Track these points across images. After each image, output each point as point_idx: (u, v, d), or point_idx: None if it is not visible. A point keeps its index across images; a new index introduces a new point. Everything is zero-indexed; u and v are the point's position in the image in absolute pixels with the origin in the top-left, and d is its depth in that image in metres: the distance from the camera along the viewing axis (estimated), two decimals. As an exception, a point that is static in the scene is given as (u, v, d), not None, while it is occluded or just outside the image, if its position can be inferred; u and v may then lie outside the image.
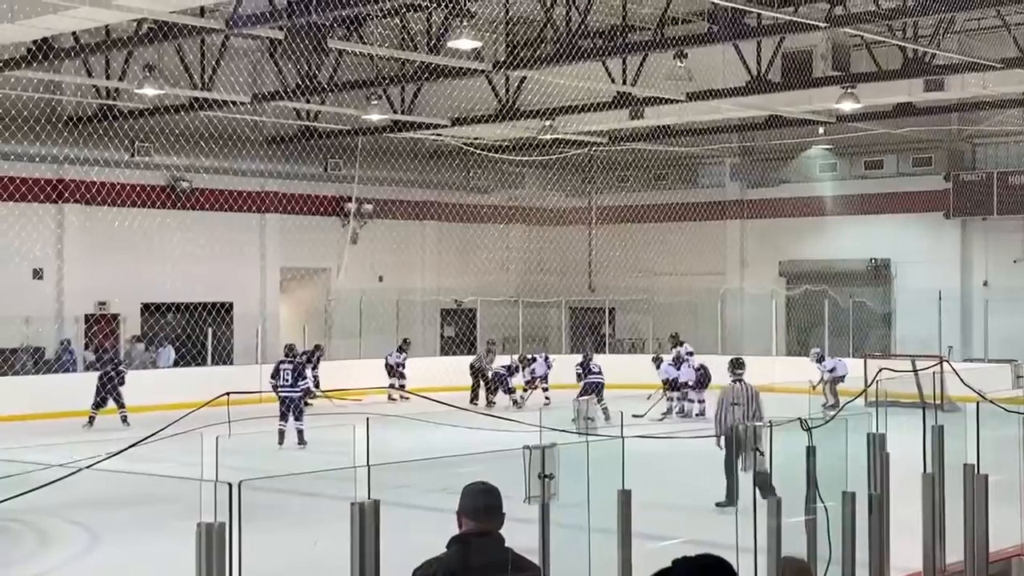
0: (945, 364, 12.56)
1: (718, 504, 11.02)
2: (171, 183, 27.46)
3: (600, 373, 22.71)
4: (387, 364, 26.83)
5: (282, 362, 19.63)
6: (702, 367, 23.31)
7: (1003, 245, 29.19)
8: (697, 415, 22.60)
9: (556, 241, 34.18)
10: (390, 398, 25.09)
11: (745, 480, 6.80)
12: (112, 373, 21.63)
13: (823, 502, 6.74)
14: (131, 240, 26.37)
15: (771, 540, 6.24)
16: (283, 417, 18.80)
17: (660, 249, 32.62)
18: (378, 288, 31.01)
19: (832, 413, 11.06)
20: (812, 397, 22.76)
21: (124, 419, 21.18)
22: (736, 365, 13.99)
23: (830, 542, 7.07)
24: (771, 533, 6.23)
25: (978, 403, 8.37)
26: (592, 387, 22.12)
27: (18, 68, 19.92)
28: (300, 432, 18.69)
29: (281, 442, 18.52)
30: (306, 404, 19.70)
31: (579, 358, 24.89)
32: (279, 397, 18.97)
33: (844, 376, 23.57)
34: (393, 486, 5.64)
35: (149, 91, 21.98)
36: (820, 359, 24.51)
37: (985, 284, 29.56)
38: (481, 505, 4.84)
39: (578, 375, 23.99)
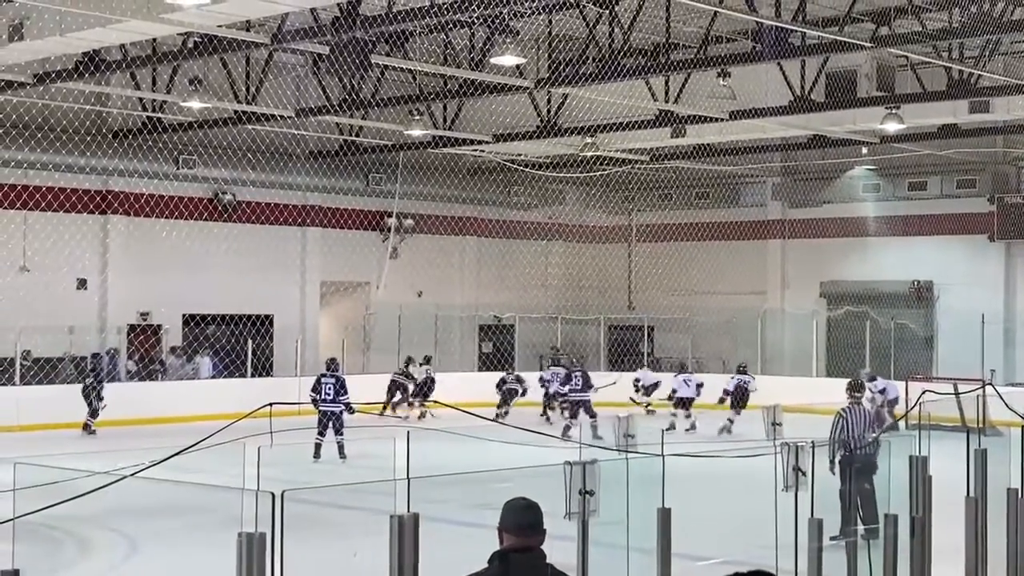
0: (988, 388, 12.41)
1: (833, 538, 8.78)
2: (215, 196, 27.67)
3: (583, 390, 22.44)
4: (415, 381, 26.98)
5: (323, 375, 19.60)
6: (737, 386, 23.38)
7: (1048, 269, 28.90)
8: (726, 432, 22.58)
9: (596, 258, 34.14)
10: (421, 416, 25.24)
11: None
12: (94, 383, 21.90)
13: (864, 524, 6.69)
14: (174, 252, 26.59)
15: (812, 562, 6.19)
16: (322, 432, 18.78)
17: (700, 268, 32.51)
18: (417, 303, 31.09)
19: (880, 435, 10.95)
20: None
21: (87, 426, 21.60)
22: (855, 388, 13.20)
23: (871, 565, 7.01)
24: (812, 555, 6.19)
25: (1022, 428, 8.27)
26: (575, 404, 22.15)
27: (67, 80, 20.16)
28: (340, 446, 18.67)
29: (317, 456, 18.54)
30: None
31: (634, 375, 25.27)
32: (319, 411, 18.98)
33: (897, 398, 23.29)
34: (432, 500, 5.65)
35: (195, 104, 22.21)
36: (871, 379, 24.14)
37: (1029, 308, 29.25)
38: (523, 521, 4.84)
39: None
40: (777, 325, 31.48)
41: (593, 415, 21.68)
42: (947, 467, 7.96)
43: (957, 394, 23.23)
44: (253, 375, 26.14)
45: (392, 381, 26.47)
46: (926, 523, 7.08)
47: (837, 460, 11.41)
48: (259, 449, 4.83)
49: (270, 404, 5.40)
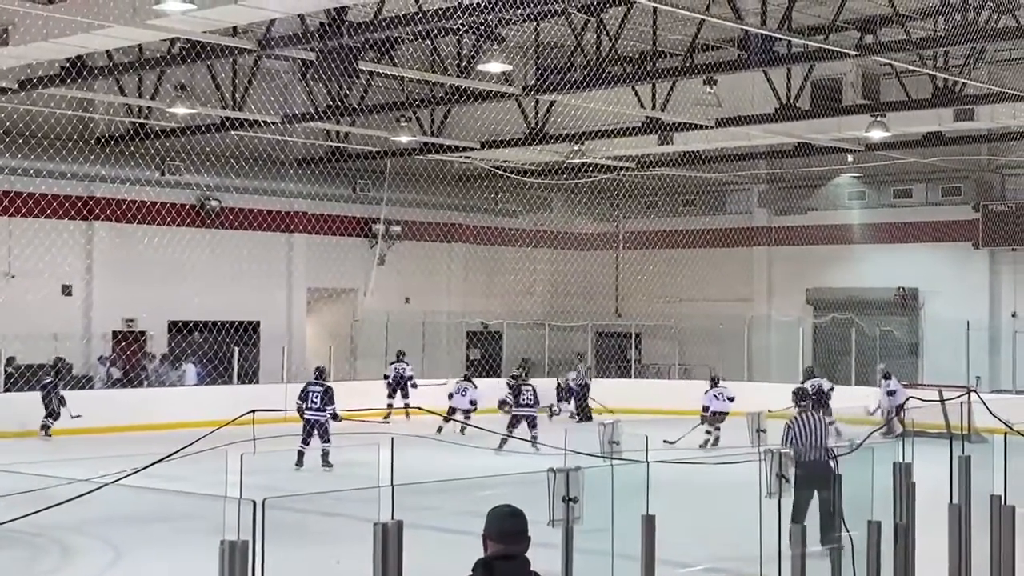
0: (973, 395, 12.43)
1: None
2: (200, 202, 27.60)
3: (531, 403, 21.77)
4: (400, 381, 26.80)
5: (311, 384, 19.44)
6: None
7: (1033, 276, 29.01)
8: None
9: (583, 265, 34.17)
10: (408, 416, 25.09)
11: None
12: (53, 383, 22.00)
13: (848, 531, 6.69)
14: (159, 258, 26.52)
15: (795, 569, 6.20)
16: (306, 439, 18.61)
17: (687, 275, 32.56)
18: (404, 310, 31.06)
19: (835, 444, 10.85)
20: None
21: (45, 428, 21.68)
22: (800, 396, 12.98)
23: (855, 571, 7.02)
24: (795, 562, 6.19)
25: (1006, 434, 8.29)
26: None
27: (52, 86, 20.11)
28: (325, 453, 18.53)
29: (299, 464, 18.34)
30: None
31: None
32: (304, 419, 18.89)
33: (904, 404, 23.35)
34: (417, 508, 5.64)
35: (180, 110, 22.16)
36: (886, 376, 24.13)
37: (1014, 315, 29.34)
38: (507, 528, 4.83)
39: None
40: (763, 332, 31.54)
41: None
42: (932, 473, 7.98)
43: (942, 401, 23.33)
44: (239, 382, 26.06)
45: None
46: (909, 530, 7.09)
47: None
48: (242, 456, 4.82)
49: (252, 411, 5.39)
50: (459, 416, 22.67)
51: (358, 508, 5.27)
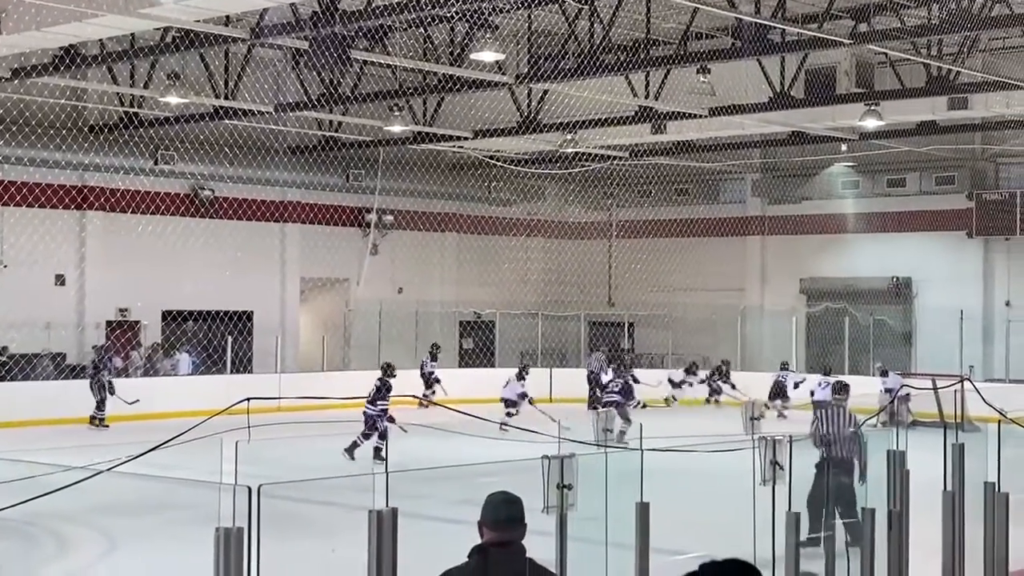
0: (966, 383, 12.46)
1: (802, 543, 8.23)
2: (193, 191, 27.56)
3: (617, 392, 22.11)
4: (422, 373, 26.91)
5: (378, 378, 18.80)
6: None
7: (1026, 265, 29.06)
8: None
9: (576, 255, 34.16)
10: (421, 405, 25.00)
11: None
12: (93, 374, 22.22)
13: (843, 518, 6.72)
14: (153, 247, 26.48)
15: (789, 557, 6.21)
16: (365, 433, 17.90)
17: (680, 264, 32.56)
18: (397, 299, 31.05)
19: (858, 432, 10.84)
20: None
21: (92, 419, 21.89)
22: (838, 390, 12.48)
23: (848, 558, 7.04)
24: (789, 548, 6.21)
25: (999, 422, 8.32)
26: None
27: (44, 75, 20.05)
28: (376, 449, 17.62)
29: (348, 454, 17.51)
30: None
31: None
32: (364, 412, 18.28)
33: (908, 395, 23.42)
34: (413, 496, 5.64)
35: (173, 99, 22.10)
36: (884, 373, 24.21)
37: (1007, 304, 29.40)
38: (502, 516, 4.83)
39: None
40: (757, 321, 31.57)
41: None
42: (925, 461, 8.00)
43: (936, 389, 23.38)
44: (232, 372, 26.05)
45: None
46: (903, 517, 7.12)
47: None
48: (236, 444, 4.81)
49: (247, 399, 5.38)
50: (510, 409, 22.58)
51: (354, 496, 5.27)
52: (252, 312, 28.60)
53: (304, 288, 30.52)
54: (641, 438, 6.58)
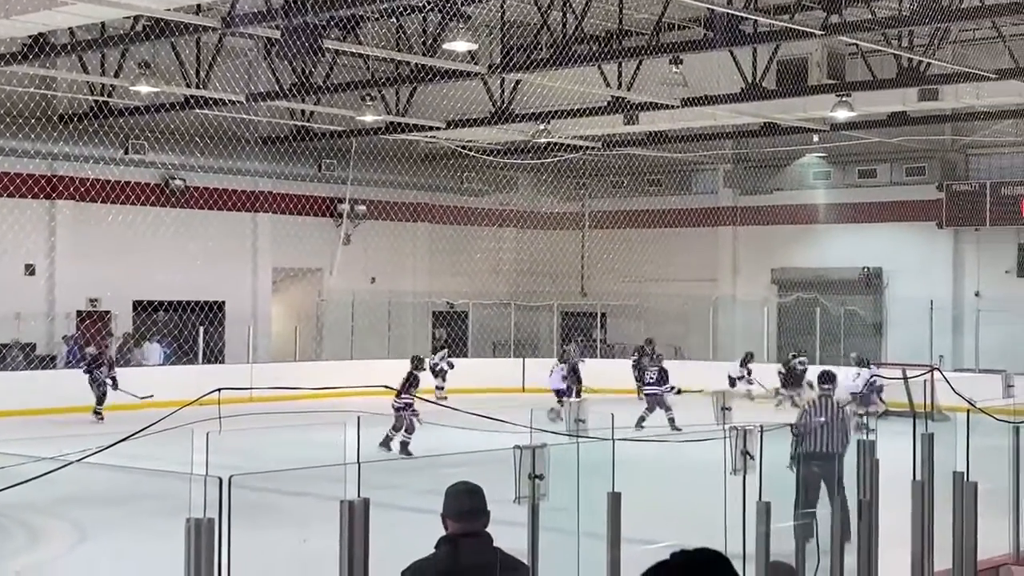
0: (936, 373, 12.55)
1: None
2: (164, 181, 27.42)
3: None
4: (431, 367, 26.92)
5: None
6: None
7: (995, 256, 29.25)
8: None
9: (549, 245, 34.19)
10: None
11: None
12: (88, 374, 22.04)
13: (813, 508, 6.76)
14: (123, 237, 26.34)
15: (760, 546, 6.25)
16: (395, 425, 17.62)
17: (653, 255, 32.63)
18: (370, 289, 31.01)
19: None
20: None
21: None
22: (824, 380, 12.08)
23: (819, 548, 7.08)
24: (760, 539, 6.24)
25: (968, 412, 8.39)
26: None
27: (12, 63, 19.87)
28: (402, 443, 17.46)
29: (385, 447, 17.16)
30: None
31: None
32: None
33: (881, 386, 23.55)
34: (386, 486, 5.64)
35: (144, 88, 21.96)
36: (861, 362, 24.33)
37: (977, 294, 29.62)
38: (464, 507, 4.84)
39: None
40: (729, 311, 31.69)
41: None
42: (895, 450, 8.05)
43: (906, 379, 23.52)
44: (204, 362, 25.95)
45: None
46: (873, 507, 7.16)
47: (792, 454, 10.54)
48: (207, 435, 4.80)
49: (218, 390, 5.36)
50: (561, 398, 22.57)
51: (326, 486, 5.26)
52: (224, 302, 28.50)
53: (276, 278, 30.42)
54: (612, 428, 6.61)
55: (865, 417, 14.22)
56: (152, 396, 20.84)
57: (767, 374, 25.82)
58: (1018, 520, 8.83)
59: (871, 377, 23.42)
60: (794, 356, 25.99)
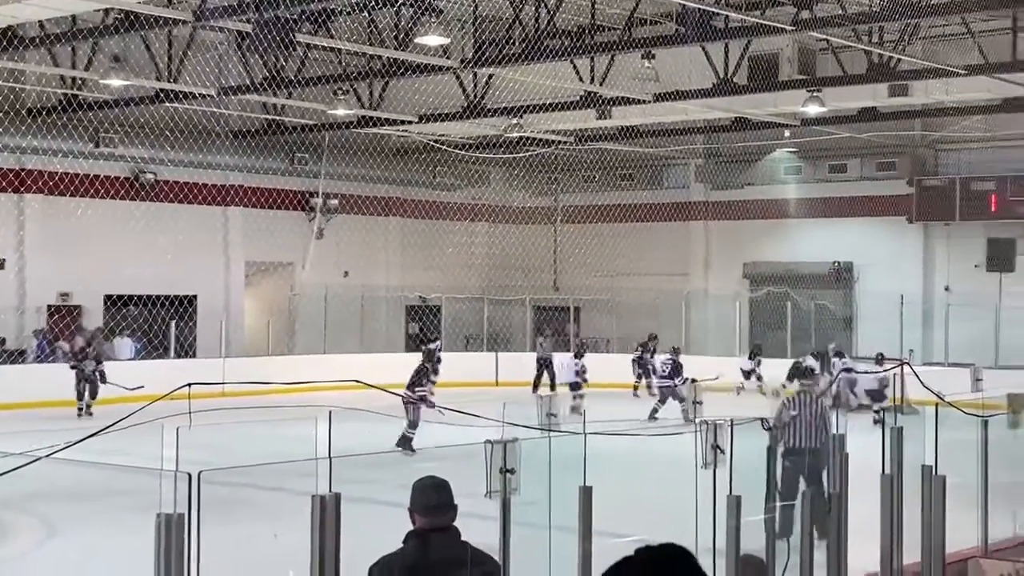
0: (905, 367, 12.62)
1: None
2: (135, 175, 27.26)
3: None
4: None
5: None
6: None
7: (964, 250, 29.46)
8: None
9: (521, 239, 34.20)
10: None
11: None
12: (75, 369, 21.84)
13: (792, 502, 6.79)
14: (94, 231, 26.18)
15: (730, 539, 6.28)
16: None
17: (625, 249, 32.69)
18: (343, 284, 30.94)
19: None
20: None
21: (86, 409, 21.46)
22: (800, 374, 12.13)
23: (788, 541, 7.12)
24: (730, 532, 6.27)
25: (937, 406, 8.45)
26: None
27: (-19, 56, 19.73)
28: (404, 437, 16.86)
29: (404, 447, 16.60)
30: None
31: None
32: None
33: (855, 380, 23.67)
34: (357, 481, 5.64)
35: (114, 82, 21.83)
36: (838, 355, 24.47)
37: (947, 289, 29.81)
38: (431, 502, 4.85)
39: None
40: (700, 306, 31.80)
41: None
42: (865, 444, 8.10)
43: (876, 374, 23.69)
44: (176, 356, 25.84)
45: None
46: (842, 500, 7.21)
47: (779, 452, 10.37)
48: (177, 430, 4.78)
49: (188, 385, 5.35)
50: (576, 392, 22.62)
51: (297, 481, 5.26)
52: (195, 296, 28.37)
53: (249, 272, 30.31)
54: (584, 422, 6.62)
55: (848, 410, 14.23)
56: (143, 387, 20.74)
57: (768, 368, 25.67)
58: (986, 513, 8.90)
59: (844, 368, 23.62)
60: (835, 351, 25.92)
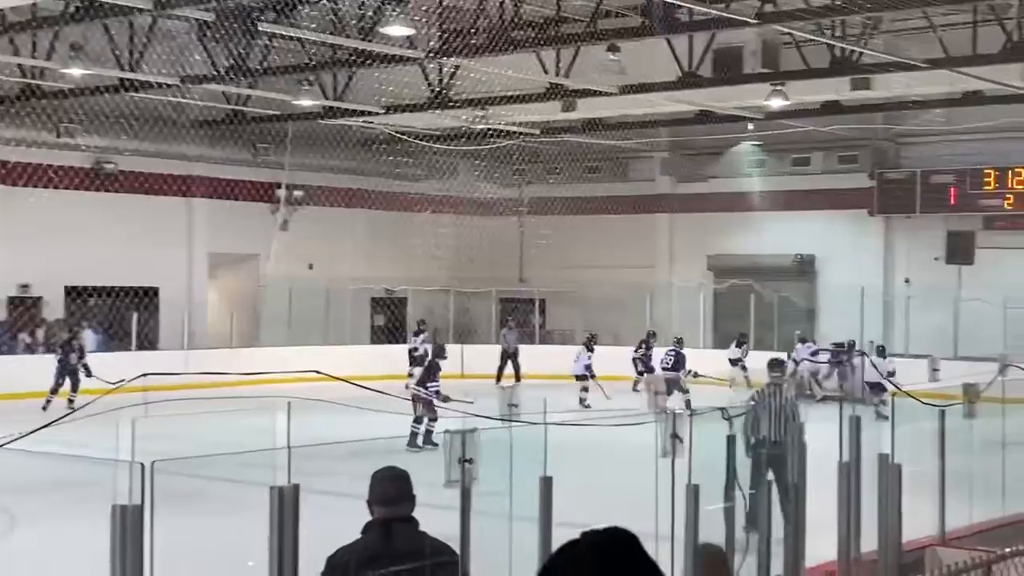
0: (865, 358, 12.72)
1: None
2: (96, 165, 27.05)
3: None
4: (409, 352, 26.86)
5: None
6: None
7: (924, 243, 29.70)
8: None
9: (487, 231, 34.15)
10: (406, 387, 24.91)
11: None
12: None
13: (742, 490, 6.84)
14: (54, 222, 25.95)
15: (689, 528, 6.32)
16: (429, 417, 16.86)
17: (590, 242, 32.74)
18: (308, 276, 30.82)
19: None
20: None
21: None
22: (773, 366, 11.87)
23: (748, 529, 7.17)
24: (689, 521, 6.31)
25: (893, 395, 8.53)
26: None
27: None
28: (426, 432, 16.37)
29: (429, 443, 16.00)
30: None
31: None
32: None
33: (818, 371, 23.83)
34: (316, 472, 5.63)
35: (75, 71, 21.63)
36: (803, 341, 24.65)
37: (907, 281, 30.06)
38: (389, 492, 4.85)
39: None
40: (665, 298, 31.91)
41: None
42: (824, 434, 8.17)
43: (838, 363, 23.89)
44: (137, 348, 25.68)
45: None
46: (801, 489, 7.27)
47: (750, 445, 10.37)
48: (133, 421, 4.76)
49: (144, 375, 5.33)
50: (584, 383, 22.67)
51: (257, 473, 5.26)
52: (158, 288, 28.19)
53: (212, 264, 30.14)
54: (545, 413, 6.64)
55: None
56: (124, 381, 20.53)
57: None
58: (944, 502, 9.00)
59: (810, 353, 23.85)
60: (799, 337, 26.10)
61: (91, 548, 5.18)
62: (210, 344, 28.25)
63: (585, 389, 23.12)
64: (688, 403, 21.20)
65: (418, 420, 16.96)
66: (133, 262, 27.03)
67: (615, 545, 2.24)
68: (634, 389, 25.74)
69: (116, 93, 23.44)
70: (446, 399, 16.78)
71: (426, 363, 18.19)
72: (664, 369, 22.74)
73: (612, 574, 2.20)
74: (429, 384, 17.52)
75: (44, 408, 20.92)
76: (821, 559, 8.02)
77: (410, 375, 25.81)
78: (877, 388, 20.95)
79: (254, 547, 4.97)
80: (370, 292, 32.59)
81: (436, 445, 16.25)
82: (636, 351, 25.70)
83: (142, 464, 4.18)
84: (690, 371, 22.45)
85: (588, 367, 23.78)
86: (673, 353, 22.74)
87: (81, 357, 21.92)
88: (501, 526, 6.29)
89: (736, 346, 26.70)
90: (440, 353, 18.48)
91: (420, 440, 16.39)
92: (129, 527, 4.33)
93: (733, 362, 26.06)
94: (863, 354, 21.57)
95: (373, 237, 32.72)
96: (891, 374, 20.72)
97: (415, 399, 17.29)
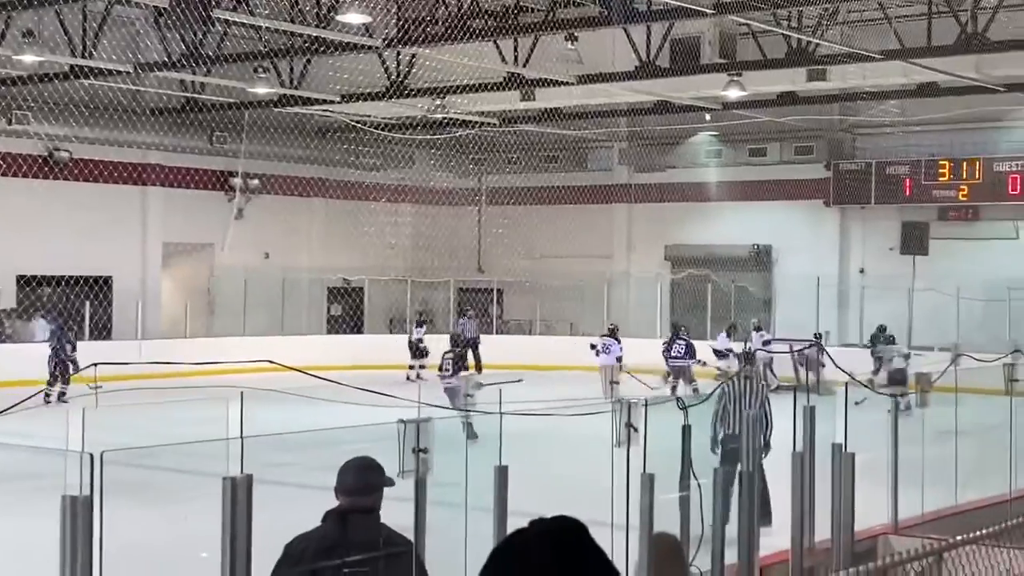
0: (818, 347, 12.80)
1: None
2: (49, 153, 26.72)
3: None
4: (409, 341, 26.68)
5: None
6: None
7: (879, 233, 29.96)
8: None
9: (445, 221, 34.10)
10: (408, 379, 24.74)
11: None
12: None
13: (697, 479, 6.86)
14: (6, 211, 25.65)
15: (644, 517, 6.33)
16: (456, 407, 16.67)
17: (548, 231, 32.76)
18: (264, 265, 30.63)
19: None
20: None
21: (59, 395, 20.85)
22: (744, 358, 11.99)
23: (703, 519, 7.19)
24: (644, 510, 6.32)
25: (847, 384, 8.59)
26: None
27: None
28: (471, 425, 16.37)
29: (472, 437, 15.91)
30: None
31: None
32: None
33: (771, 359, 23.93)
34: (270, 463, 5.59)
35: (28, 58, 21.36)
36: (757, 329, 24.74)
37: (862, 271, 30.32)
38: (356, 482, 4.83)
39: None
40: (623, 288, 31.98)
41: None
42: (778, 423, 8.23)
43: (793, 353, 24.06)
44: (91, 339, 25.42)
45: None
46: (755, 477, 7.31)
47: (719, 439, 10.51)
48: (83, 410, 4.70)
49: (94, 365, 5.27)
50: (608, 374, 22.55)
51: (209, 463, 5.21)
52: (111, 277, 27.92)
53: (167, 253, 29.89)
54: (500, 402, 6.63)
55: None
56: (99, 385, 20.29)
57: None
58: (896, 491, 9.07)
59: (763, 342, 24.00)
60: (755, 326, 26.11)
61: (40, 540, 5.12)
62: (164, 334, 28.03)
63: (615, 382, 22.41)
64: (696, 391, 21.45)
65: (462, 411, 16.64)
66: (86, 251, 26.76)
67: (563, 534, 2.24)
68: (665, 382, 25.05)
69: (69, 80, 23.16)
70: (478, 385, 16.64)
71: (456, 354, 17.75)
72: (674, 358, 23.17)
73: (559, 563, 2.20)
74: (457, 375, 17.17)
75: (46, 401, 20.39)
76: (775, 548, 8.07)
77: (411, 367, 25.79)
78: (899, 378, 20.91)
79: (207, 538, 4.92)
80: (326, 281, 32.45)
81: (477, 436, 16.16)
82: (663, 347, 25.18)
83: (91, 455, 4.12)
84: (699, 360, 22.91)
85: (619, 359, 23.53)
86: (684, 343, 23.25)
87: (73, 349, 21.66)
88: (457, 516, 6.28)
89: (727, 335, 25.66)
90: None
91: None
92: (80, 519, 4.28)
93: (720, 353, 25.71)
94: (820, 346, 21.71)
95: (330, 226, 32.57)
96: (906, 357, 20.92)
97: (448, 391, 16.70)
